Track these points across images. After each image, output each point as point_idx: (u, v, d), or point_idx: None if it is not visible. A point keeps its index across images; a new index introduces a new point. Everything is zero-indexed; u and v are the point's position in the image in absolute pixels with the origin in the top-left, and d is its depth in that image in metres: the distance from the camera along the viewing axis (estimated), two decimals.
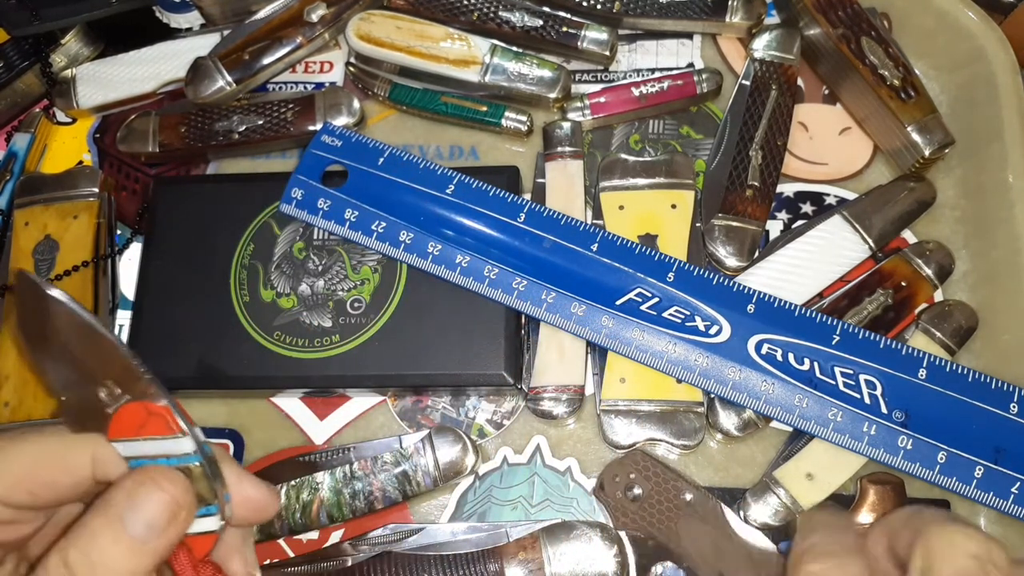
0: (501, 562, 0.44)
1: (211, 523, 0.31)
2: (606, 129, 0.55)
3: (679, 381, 0.46)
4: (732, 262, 0.49)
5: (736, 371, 0.44)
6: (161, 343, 0.49)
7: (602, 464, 0.47)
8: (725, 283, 0.46)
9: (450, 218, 0.48)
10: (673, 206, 0.50)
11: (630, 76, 0.56)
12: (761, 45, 0.53)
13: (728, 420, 0.46)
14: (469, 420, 0.49)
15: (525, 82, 0.53)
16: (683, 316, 0.45)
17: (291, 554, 0.47)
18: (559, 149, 0.52)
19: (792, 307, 0.45)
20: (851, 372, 0.43)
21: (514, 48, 0.54)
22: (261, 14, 0.56)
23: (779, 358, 0.44)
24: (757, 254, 0.50)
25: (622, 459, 0.44)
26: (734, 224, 0.50)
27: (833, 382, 0.43)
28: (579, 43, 0.54)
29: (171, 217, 0.52)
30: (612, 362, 0.47)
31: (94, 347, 0.31)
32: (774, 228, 0.52)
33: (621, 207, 0.50)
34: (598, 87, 0.55)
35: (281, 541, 0.48)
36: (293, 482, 0.47)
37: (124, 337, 0.51)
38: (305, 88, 0.58)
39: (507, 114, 0.54)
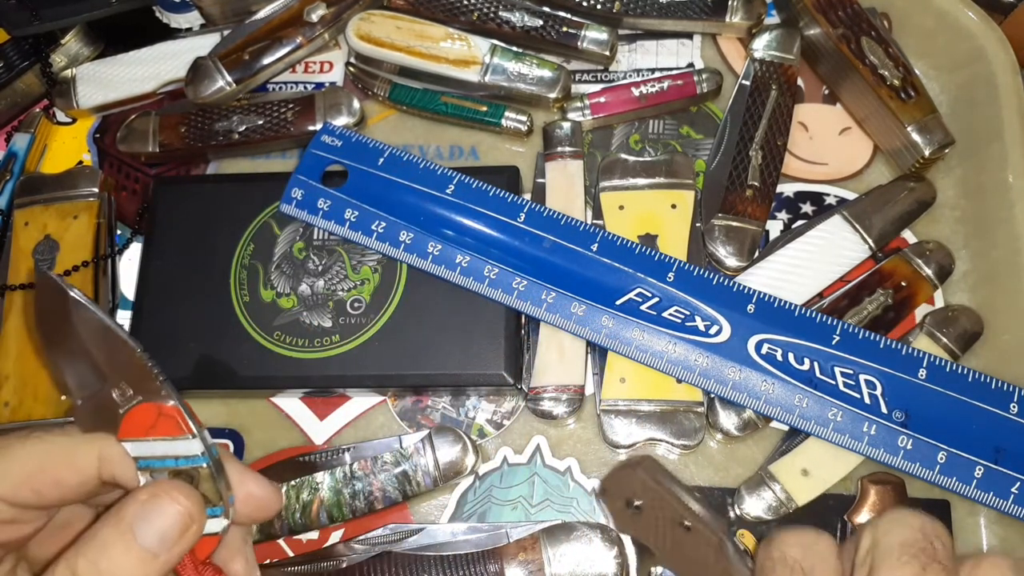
0: (501, 563, 0.44)
1: (215, 524, 0.31)
2: (606, 129, 0.55)
3: (679, 381, 0.46)
4: (732, 262, 0.49)
5: (736, 371, 0.44)
6: (161, 343, 0.49)
7: (602, 464, 0.47)
8: (725, 283, 0.46)
9: (450, 218, 0.48)
10: (673, 206, 0.50)
11: (630, 76, 0.56)
12: (761, 45, 0.53)
13: (728, 420, 0.46)
14: (469, 420, 0.49)
15: (525, 82, 0.53)
16: (683, 316, 0.45)
17: (291, 554, 0.47)
18: (559, 149, 0.52)
19: (792, 307, 0.45)
20: (851, 372, 0.43)
21: (514, 48, 0.54)
22: (261, 14, 0.56)
23: (779, 358, 0.44)
24: (757, 254, 0.50)
25: (624, 474, 0.44)
26: (734, 224, 0.50)
27: (833, 382, 0.43)
28: (579, 43, 0.54)
29: (171, 217, 0.52)
30: (612, 362, 0.47)
31: (110, 348, 0.31)
32: (774, 228, 0.52)
33: (621, 207, 0.50)
34: (598, 87, 0.55)
35: (281, 541, 0.48)
36: (293, 482, 0.46)
37: None
38: (305, 88, 0.58)
39: (507, 114, 0.54)
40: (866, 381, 0.43)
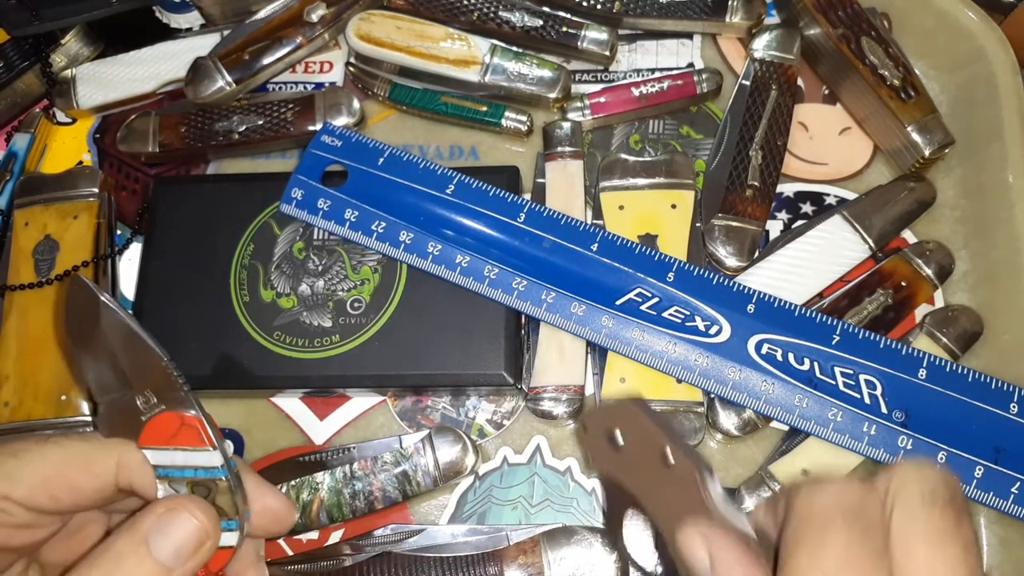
0: (501, 565, 0.44)
1: (230, 538, 0.31)
2: (606, 129, 0.55)
3: (679, 381, 0.46)
4: (732, 262, 0.49)
5: (736, 371, 0.44)
6: (161, 343, 0.49)
7: None
8: (725, 283, 0.46)
9: (450, 218, 0.48)
10: (673, 206, 0.50)
11: (630, 76, 0.56)
12: (761, 45, 0.53)
13: (728, 420, 0.46)
14: (469, 420, 0.49)
15: (525, 82, 0.53)
16: (683, 316, 0.45)
17: (291, 554, 0.47)
18: (559, 149, 0.52)
19: (792, 307, 0.45)
20: (851, 372, 0.43)
21: (514, 48, 0.54)
22: (261, 14, 0.56)
23: (779, 358, 0.44)
24: (757, 254, 0.50)
25: (613, 408, 0.38)
26: (734, 224, 0.50)
27: (833, 382, 0.43)
28: (579, 43, 0.54)
29: (171, 217, 0.52)
30: (612, 362, 0.47)
31: (137, 355, 0.31)
32: (774, 228, 0.52)
33: (621, 207, 0.50)
34: (598, 87, 0.55)
35: (281, 541, 0.48)
36: (293, 482, 0.47)
37: None
38: (305, 88, 0.58)
39: (507, 114, 0.54)
40: (866, 381, 0.43)
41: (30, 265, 0.51)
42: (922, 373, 0.43)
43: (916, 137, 0.49)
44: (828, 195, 0.53)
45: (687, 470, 0.33)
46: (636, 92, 0.54)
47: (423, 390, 0.49)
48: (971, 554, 0.25)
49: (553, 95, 0.53)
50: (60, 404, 0.48)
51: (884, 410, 0.43)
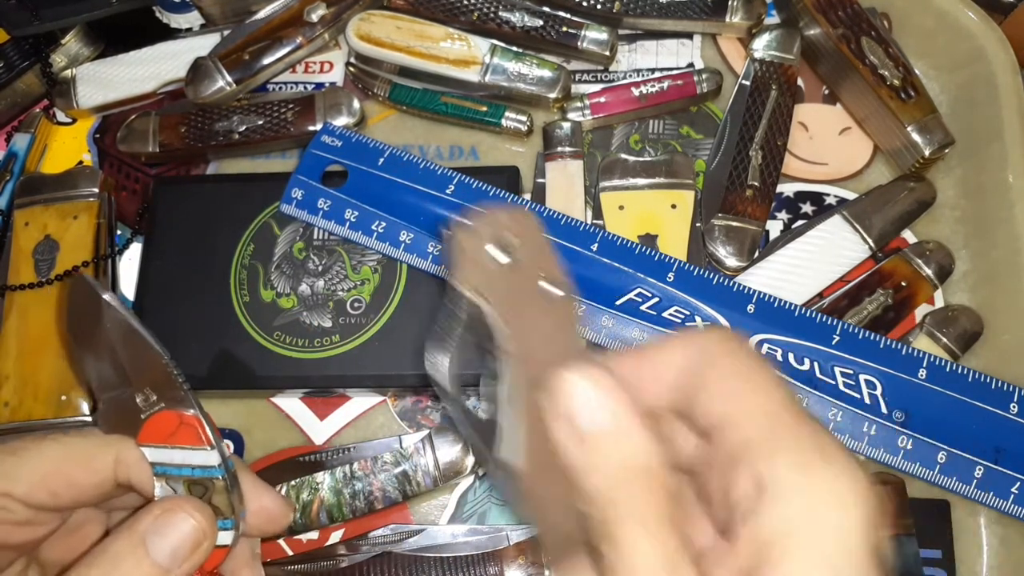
0: (501, 565, 0.44)
1: (226, 537, 0.31)
2: (606, 129, 0.55)
3: None
4: (732, 262, 0.49)
5: None
6: (161, 343, 0.49)
7: None
8: (725, 283, 0.46)
9: (450, 218, 0.48)
10: (673, 206, 0.50)
11: (630, 76, 0.56)
12: (761, 45, 0.53)
13: None
14: None
15: (525, 82, 0.53)
16: (683, 316, 0.45)
17: (291, 554, 0.47)
18: (559, 149, 0.52)
19: (792, 307, 0.45)
20: (851, 372, 0.43)
21: (514, 48, 0.54)
22: (261, 14, 0.56)
23: (779, 358, 0.44)
24: (757, 254, 0.50)
25: (508, 215, 0.30)
26: (734, 224, 0.50)
27: (833, 382, 0.43)
28: (579, 43, 0.54)
29: (171, 217, 0.52)
30: None
31: (138, 353, 0.31)
32: (774, 228, 0.52)
33: (621, 207, 0.50)
34: (598, 87, 0.55)
35: (281, 541, 0.48)
36: (293, 482, 0.47)
37: None
38: (305, 88, 0.58)
39: (507, 114, 0.54)
40: (866, 381, 0.43)
41: (30, 265, 0.51)
42: (922, 373, 0.43)
43: (916, 137, 0.49)
44: (828, 195, 0.53)
45: (567, 309, 0.29)
46: (636, 92, 0.54)
47: (423, 390, 0.49)
48: (782, 383, 0.26)
49: (553, 95, 0.53)
50: (60, 404, 0.48)
51: (884, 410, 0.43)
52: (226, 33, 0.57)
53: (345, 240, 0.49)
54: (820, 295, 0.49)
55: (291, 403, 0.51)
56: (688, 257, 0.49)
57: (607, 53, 0.54)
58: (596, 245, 0.47)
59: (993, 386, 0.43)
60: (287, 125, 0.54)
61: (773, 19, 0.57)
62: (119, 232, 0.55)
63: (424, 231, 0.47)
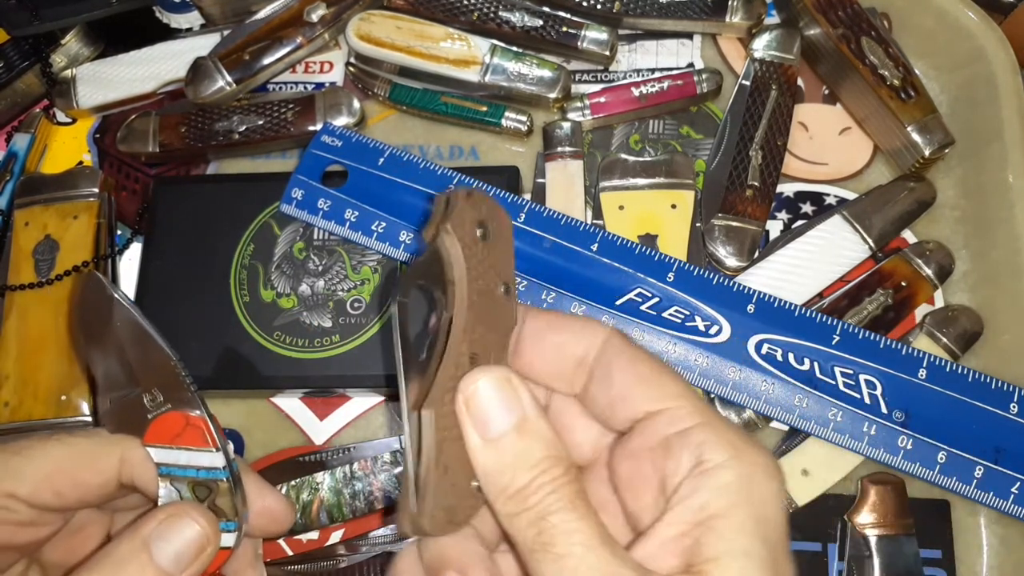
0: None
1: (229, 539, 0.31)
2: (606, 129, 0.55)
3: None
4: (732, 262, 0.49)
5: (736, 371, 0.44)
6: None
7: None
8: (725, 283, 0.46)
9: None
10: (673, 206, 0.50)
11: (630, 76, 0.56)
12: (761, 45, 0.53)
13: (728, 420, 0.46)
14: None
15: (525, 82, 0.53)
16: (683, 316, 0.45)
17: (291, 554, 0.47)
18: (559, 149, 0.52)
19: (792, 307, 0.45)
20: (851, 372, 0.43)
21: (514, 48, 0.54)
22: (261, 14, 0.56)
23: (779, 358, 0.44)
24: (757, 254, 0.50)
25: (492, 202, 0.29)
26: (734, 224, 0.50)
27: (833, 382, 0.43)
28: (579, 43, 0.54)
29: (171, 217, 0.52)
30: None
31: (147, 353, 0.32)
32: (774, 228, 0.52)
33: (621, 207, 0.50)
34: (598, 87, 0.55)
35: (281, 541, 0.48)
36: (293, 482, 0.47)
37: None
38: (305, 88, 0.58)
39: (507, 114, 0.54)
40: (866, 381, 0.43)
41: (30, 265, 0.51)
42: (922, 373, 0.43)
43: (916, 137, 0.49)
44: (828, 195, 0.53)
45: (510, 311, 0.30)
46: (636, 92, 0.54)
47: None
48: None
49: (553, 95, 0.53)
50: (60, 404, 0.48)
51: (884, 410, 0.43)
52: (226, 33, 0.57)
53: (345, 240, 0.49)
54: (820, 295, 0.49)
55: (291, 403, 0.51)
56: (688, 257, 0.49)
57: (607, 53, 0.54)
58: (596, 245, 0.47)
59: (993, 386, 0.43)
60: (287, 125, 0.54)
61: (773, 19, 0.57)
62: (119, 232, 0.55)
63: None
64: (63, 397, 0.48)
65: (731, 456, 0.27)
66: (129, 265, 0.54)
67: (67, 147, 0.59)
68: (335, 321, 0.48)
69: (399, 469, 0.46)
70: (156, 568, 0.28)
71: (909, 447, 0.42)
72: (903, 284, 0.48)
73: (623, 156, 0.52)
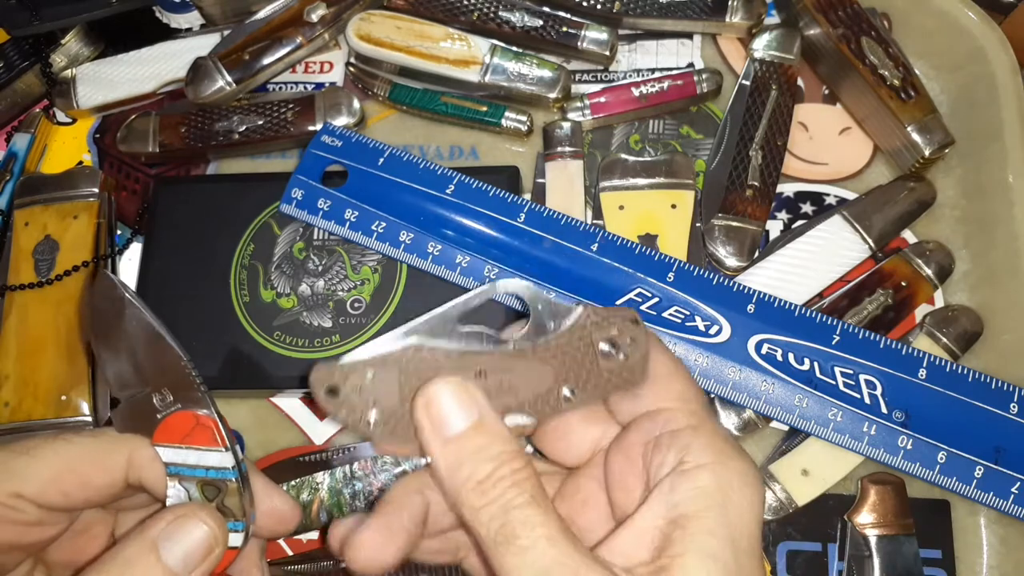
0: None
1: (236, 539, 0.31)
2: (606, 129, 0.55)
3: None
4: (732, 262, 0.49)
5: (736, 371, 0.44)
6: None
7: None
8: (725, 283, 0.46)
9: (450, 218, 0.48)
10: (673, 206, 0.50)
11: (630, 76, 0.56)
12: (761, 45, 0.53)
13: (728, 420, 0.46)
14: None
15: (525, 82, 0.53)
16: (683, 316, 0.45)
17: (291, 554, 0.47)
18: (559, 149, 0.52)
19: (792, 307, 0.45)
20: (851, 372, 0.43)
21: (514, 48, 0.54)
22: (261, 14, 0.56)
23: (779, 358, 0.44)
24: (757, 254, 0.50)
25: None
26: (734, 224, 0.50)
27: (833, 382, 0.43)
28: (579, 43, 0.54)
29: (171, 217, 0.52)
30: None
31: (157, 353, 0.32)
32: (774, 228, 0.52)
33: (621, 207, 0.50)
34: (598, 87, 0.55)
35: (281, 541, 0.48)
36: (293, 482, 0.47)
37: None
38: (305, 88, 0.58)
39: (507, 114, 0.54)
40: (866, 381, 0.43)
41: (30, 265, 0.51)
42: (922, 373, 0.43)
43: (916, 137, 0.49)
44: (828, 195, 0.53)
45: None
46: (636, 92, 0.54)
47: None
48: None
49: (553, 95, 0.53)
50: (60, 404, 0.48)
51: (884, 410, 0.43)
52: (226, 33, 0.57)
53: (345, 240, 0.49)
54: (820, 295, 0.49)
55: (291, 403, 0.51)
56: (688, 257, 0.49)
57: (607, 53, 0.54)
58: (596, 245, 0.47)
59: (993, 386, 0.43)
60: (287, 125, 0.54)
61: (773, 19, 0.57)
62: (119, 232, 0.55)
63: (424, 231, 0.47)
64: (63, 397, 0.48)
65: (713, 460, 0.28)
66: (129, 265, 0.54)
67: (67, 147, 0.59)
68: (335, 321, 0.48)
69: (399, 469, 0.46)
70: (164, 568, 0.28)
71: (909, 447, 0.42)
72: (903, 284, 0.48)
73: (623, 156, 0.52)
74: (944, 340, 0.46)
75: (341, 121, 0.54)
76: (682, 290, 0.45)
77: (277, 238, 0.51)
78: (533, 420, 0.31)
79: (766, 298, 0.45)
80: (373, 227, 0.48)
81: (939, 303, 0.50)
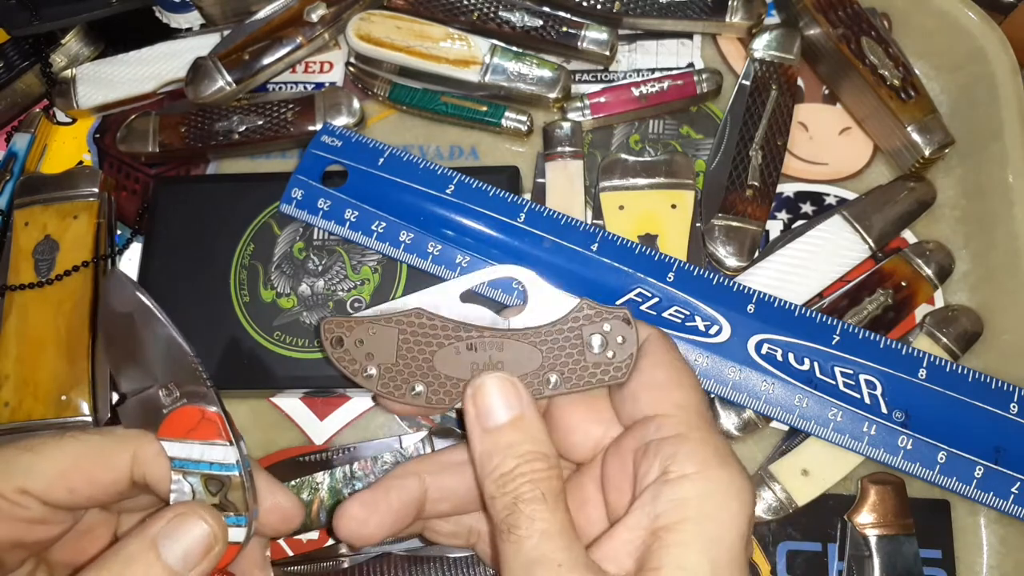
0: None
1: (238, 534, 0.32)
2: (606, 129, 0.55)
3: None
4: (732, 262, 0.49)
5: (736, 371, 0.44)
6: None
7: None
8: (725, 283, 0.46)
9: (450, 218, 0.48)
10: (673, 206, 0.50)
11: (630, 76, 0.56)
12: (761, 45, 0.53)
13: (728, 420, 0.46)
14: None
15: (525, 82, 0.53)
16: (683, 316, 0.45)
17: (291, 554, 0.47)
18: (559, 149, 0.52)
19: (792, 307, 0.45)
20: (851, 372, 0.43)
21: (514, 48, 0.54)
22: (261, 14, 0.56)
23: (779, 358, 0.44)
24: (757, 254, 0.50)
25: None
26: (734, 224, 0.50)
27: (833, 382, 0.43)
28: (579, 43, 0.54)
29: (171, 217, 0.52)
30: None
31: (165, 349, 0.33)
32: (774, 228, 0.52)
33: (621, 207, 0.50)
34: (598, 87, 0.55)
35: (281, 541, 0.48)
36: (293, 482, 0.47)
37: None
38: (305, 88, 0.58)
39: (507, 114, 0.54)
40: (866, 381, 0.43)
41: (30, 265, 0.51)
42: (922, 373, 0.43)
43: (916, 137, 0.49)
44: (828, 195, 0.53)
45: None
46: (636, 92, 0.54)
47: None
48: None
49: (553, 95, 0.53)
50: (60, 404, 0.48)
51: (884, 410, 0.43)
52: (226, 33, 0.57)
53: (345, 240, 0.49)
54: (820, 295, 0.49)
55: (291, 403, 0.51)
56: (688, 257, 0.49)
57: (607, 53, 0.54)
58: (596, 245, 0.47)
59: (993, 386, 0.43)
60: (287, 125, 0.54)
61: (773, 19, 0.57)
62: (119, 232, 0.55)
63: (424, 231, 0.47)
64: (63, 397, 0.48)
65: (696, 472, 0.28)
66: (129, 265, 0.54)
67: (67, 147, 0.59)
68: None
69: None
70: (163, 566, 0.29)
71: (909, 447, 0.42)
72: (903, 284, 0.48)
73: (623, 156, 0.52)
74: (944, 340, 0.46)
75: (341, 121, 0.54)
76: (682, 290, 0.45)
77: (277, 238, 0.51)
78: None
79: (766, 298, 0.45)
80: (373, 227, 0.48)
81: (939, 303, 0.50)
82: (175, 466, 0.32)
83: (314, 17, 0.55)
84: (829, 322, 0.44)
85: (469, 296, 0.36)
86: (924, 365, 0.43)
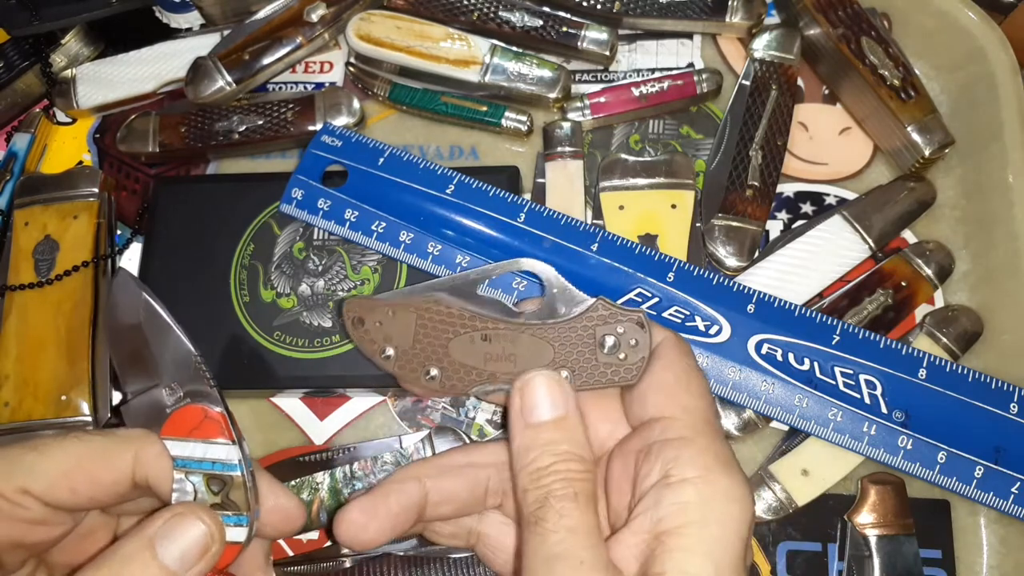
0: None
1: (239, 533, 0.32)
2: (606, 129, 0.55)
3: None
4: (732, 262, 0.49)
5: (736, 371, 0.44)
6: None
7: None
8: (725, 283, 0.46)
9: (450, 218, 0.48)
10: (673, 206, 0.50)
11: (630, 76, 0.56)
12: (761, 45, 0.53)
13: (728, 420, 0.46)
14: (469, 420, 0.49)
15: (525, 82, 0.53)
16: (683, 316, 0.45)
17: (291, 554, 0.47)
18: (559, 149, 0.52)
19: (792, 307, 0.45)
20: (851, 372, 0.43)
21: (514, 48, 0.54)
22: (261, 14, 0.56)
23: (779, 358, 0.44)
24: (757, 254, 0.50)
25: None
26: (734, 224, 0.50)
27: (833, 382, 0.43)
28: (579, 43, 0.54)
29: (171, 217, 0.52)
30: None
31: (170, 349, 0.33)
32: (774, 228, 0.52)
33: (621, 207, 0.50)
34: (598, 87, 0.55)
35: (281, 541, 0.48)
36: (293, 482, 0.46)
37: None
38: (305, 88, 0.58)
39: (507, 114, 0.54)
40: (866, 381, 0.43)
41: (30, 265, 0.51)
42: (922, 373, 0.43)
43: (916, 137, 0.49)
44: (828, 195, 0.53)
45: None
46: (636, 92, 0.54)
47: None
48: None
49: (553, 95, 0.53)
50: (60, 404, 0.48)
51: (884, 410, 0.43)
52: (226, 33, 0.57)
53: (345, 240, 0.49)
54: (820, 295, 0.49)
55: (291, 403, 0.51)
56: (688, 257, 0.49)
57: (607, 53, 0.54)
58: (596, 245, 0.47)
59: (993, 386, 0.43)
60: (287, 125, 0.54)
61: (773, 19, 0.57)
62: (119, 232, 0.55)
63: (424, 231, 0.47)
64: (63, 397, 0.48)
65: (698, 476, 0.29)
66: (129, 265, 0.54)
67: (67, 147, 0.59)
68: (335, 321, 0.48)
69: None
70: (160, 566, 0.29)
71: (909, 447, 0.42)
72: (903, 284, 0.48)
73: (623, 156, 0.52)
74: (944, 340, 0.46)
75: (341, 121, 0.54)
76: (682, 290, 0.45)
77: (277, 238, 0.51)
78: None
79: (766, 298, 0.45)
80: (373, 227, 0.48)
81: (939, 303, 0.50)
82: (178, 465, 0.32)
83: (314, 17, 0.55)
84: (829, 322, 0.44)
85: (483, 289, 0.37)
86: (924, 365, 0.43)
